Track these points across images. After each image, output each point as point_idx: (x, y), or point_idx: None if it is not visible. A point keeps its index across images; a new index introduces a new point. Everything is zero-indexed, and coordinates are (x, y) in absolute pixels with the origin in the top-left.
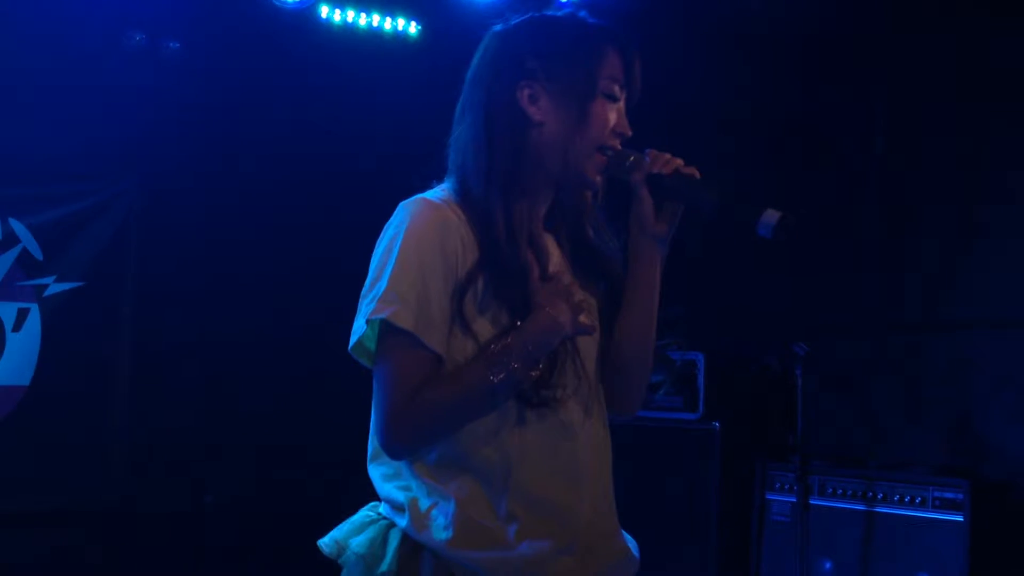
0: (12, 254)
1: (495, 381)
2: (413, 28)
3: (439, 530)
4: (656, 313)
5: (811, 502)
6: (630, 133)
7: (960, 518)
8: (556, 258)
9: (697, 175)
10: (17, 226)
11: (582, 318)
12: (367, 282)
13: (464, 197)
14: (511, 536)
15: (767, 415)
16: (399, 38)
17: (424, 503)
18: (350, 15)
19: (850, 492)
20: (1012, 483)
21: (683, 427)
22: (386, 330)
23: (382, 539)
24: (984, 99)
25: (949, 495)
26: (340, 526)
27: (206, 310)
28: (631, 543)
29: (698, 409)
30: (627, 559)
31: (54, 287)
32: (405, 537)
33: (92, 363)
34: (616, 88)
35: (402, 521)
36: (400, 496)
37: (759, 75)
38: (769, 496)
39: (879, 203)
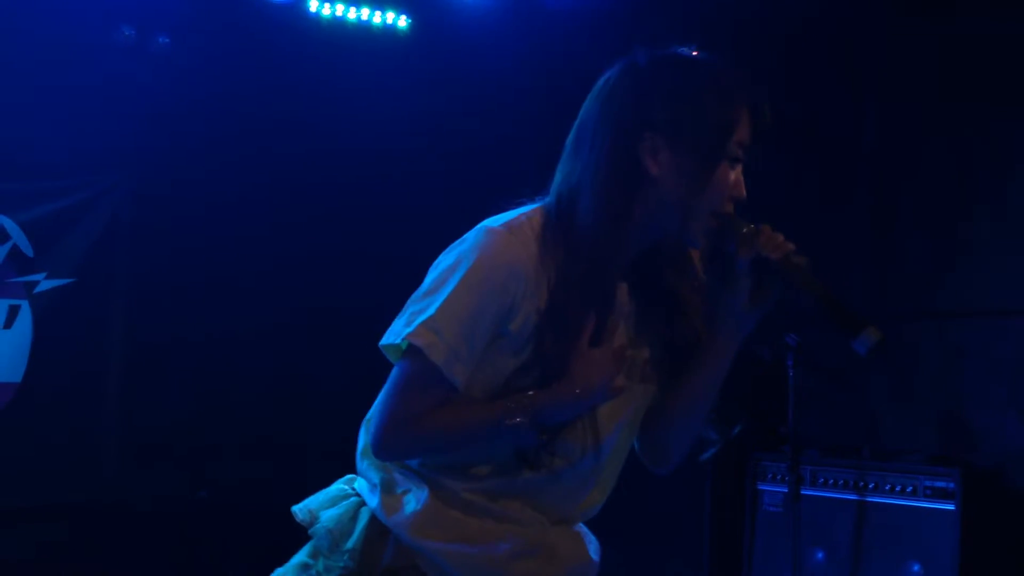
0: (2, 251)
1: (499, 428)
2: (403, 22)
3: (409, 514)
4: (720, 384)
5: (803, 492)
6: (745, 196)
7: (951, 507)
8: (623, 302)
9: (804, 264)
10: (7, 223)
11: (617, 381)
12: (421, 289)
13: (561, 233)
14: (477, 533)
15: (759, 405)
16: (388, 32)
17: (399, 487)
18: (339, 9)
19: (842, 482)
20: (1003, 471)
21: None
22: (418, 351)
23: (351, 516)
24: (972, 98)
25: (940, 484)
26: (315, 495)
27: (197, 305)
28: (592, 546)
29: None
30: (588, 564)
31: (45, 284)
32: (373, 518)
33: (84, 359)
34: (741, 151)
35: (372, 501)
36: (375, 475)
37: (749, 72)
38: (761, 486)
39: (870, 195)
